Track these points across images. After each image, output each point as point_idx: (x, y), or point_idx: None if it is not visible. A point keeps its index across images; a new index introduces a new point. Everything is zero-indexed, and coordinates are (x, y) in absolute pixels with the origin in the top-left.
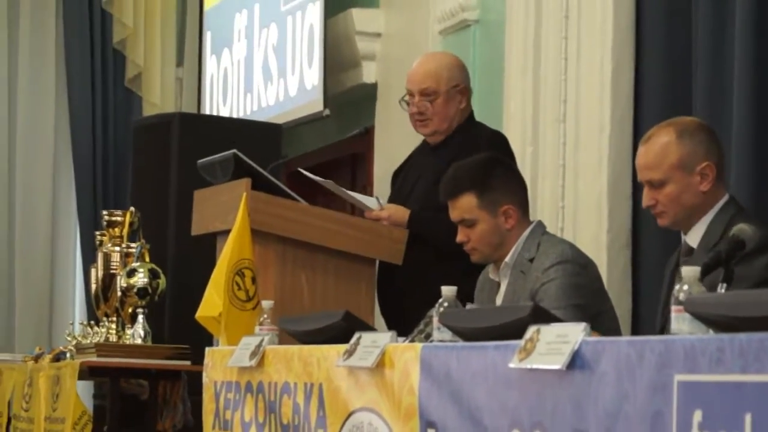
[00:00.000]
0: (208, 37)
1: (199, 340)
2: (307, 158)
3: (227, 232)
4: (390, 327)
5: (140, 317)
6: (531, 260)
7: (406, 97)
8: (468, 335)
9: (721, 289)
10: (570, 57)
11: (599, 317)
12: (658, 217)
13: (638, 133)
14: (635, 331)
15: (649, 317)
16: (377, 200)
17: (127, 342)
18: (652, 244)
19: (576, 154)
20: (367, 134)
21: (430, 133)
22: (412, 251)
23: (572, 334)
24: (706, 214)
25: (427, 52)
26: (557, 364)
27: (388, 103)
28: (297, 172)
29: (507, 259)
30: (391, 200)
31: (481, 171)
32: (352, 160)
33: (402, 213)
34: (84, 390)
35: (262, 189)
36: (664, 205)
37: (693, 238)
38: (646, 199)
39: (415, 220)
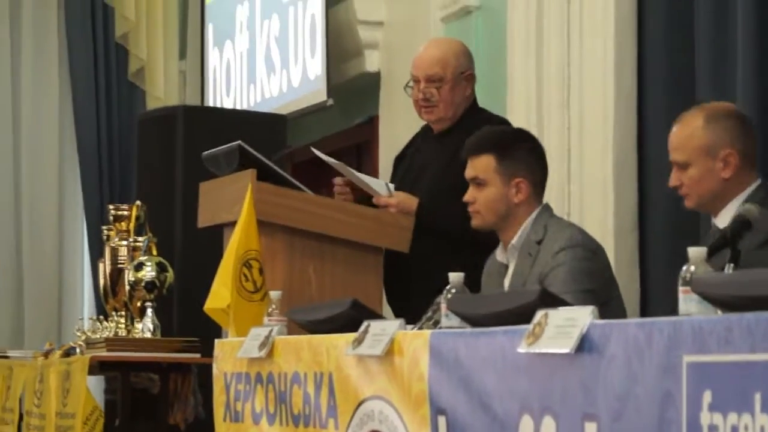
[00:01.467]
0: (210, 29)
1: (209, 332)
2: (310, 149)
3: (233, 223)
4: (397, 316)
5: (149, 311)
6: (538, 242)
7: (411, 83)
8: (476, 321)
9: (728, 269)
10: (573, 41)
11: (608, 304)
12: (684, 198)
13: (642, 116)
14: (644, 315)
15: (657, 301)
16: (387, 186)
17: (137, 336)
18: (659, 228)
19: (581, 139)
20: (372, 123)
21: (435, 120)
22: (417, 240)
23: (580, 317)
24: (734, 198)
25: (432, 38)
26: (566, 347)
27: (392, 92)
28: (302, 163)
29: (513, 241)
30: (396, 187)
31: (508, 138)
32: (357, 150)
33: (411, 201)
34: (96, 385)
35: (267, 179)
36: (688, 187)
37: (722, 221)
38: (673, 180)
39: (424, 209)
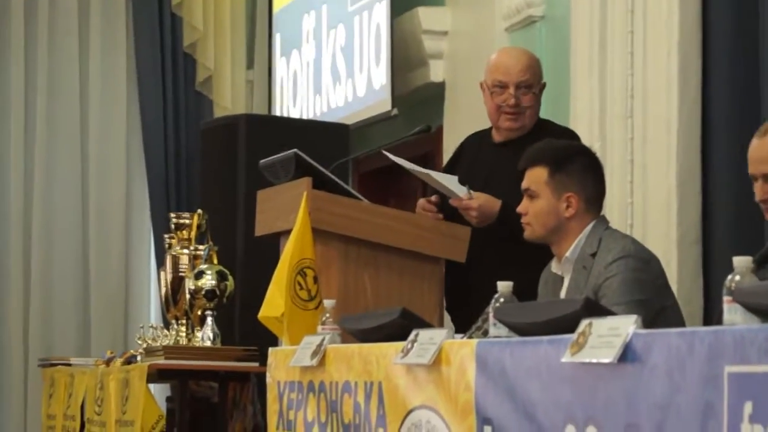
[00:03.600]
0: (277, 39)
1: (270, 341)
2: (376, 158)
3: (290, 231)
4: (456, 326)
5: (209, 319)
6: (593, 255)
7: (493, 89)
8: (522, 330)
9: None
10: (636, 52)
11: (663, 313)
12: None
13: (706, 127)
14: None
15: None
16: (467, 189)
17: (196, 344)
18: (723, 240)
19: (644, 150)
20: (436, 133)
21: (518, 127)
22: (481, 251)
23: (623, 326)
24: None
25: (505, 47)
26: (608, 357)
27: (456, 102)
28: (368, 172)
29: (568, 254)
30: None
31: (564, 153)
32: (422, 160)
33: (492, 203)
34: (161, 394)
35: (325, 188)
36: None
37: None
38: (761, 193)
39: (507, 212)
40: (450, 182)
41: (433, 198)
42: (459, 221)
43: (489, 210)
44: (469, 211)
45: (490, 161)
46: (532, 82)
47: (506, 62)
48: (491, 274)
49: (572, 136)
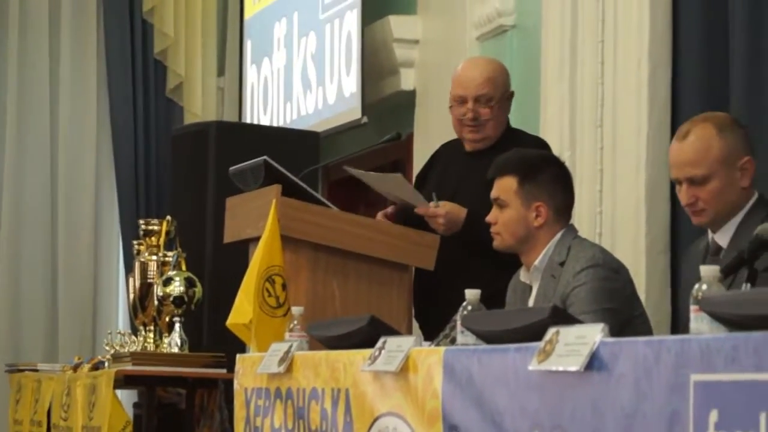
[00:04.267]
0: (248, 46)
1: (238, 348)
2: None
3: (258, 238)
4: (425, 333)
5: (177, 326)
6: (561, 264)
7: (452, 103)
8: (490, 338)
9: (745, 288)
10: (606, 61)
11: (631, 322)
12: (695, 215)
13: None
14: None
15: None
16: (434, 197)
17: (164, 351)
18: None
19: (614, 159)
20: (406, 141)
21: (481, 139)
22: (448, 259)
23: (591, 335)
24: (738, 212)
25: (470, 57)
26: (575, 365)
27: (427, 110)
28: (338, 180)
29: (536, 262)
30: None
31: (533, 162)
32: (392, 167)
33: (458, 211)
34: (128, 400)
35: (293, 195)
36: (706, 202)
37: (723, 237)
38: (686, 197)
39: (472, 220)
40: (418, 193)
41: (390, 210)
42: (425, 230)
43: (455, 217)
44: (436, 219)
45: (460, 170)
46: (492, 95)
47: (466, 75)
48: (460, 282)
49: (542, 145)
